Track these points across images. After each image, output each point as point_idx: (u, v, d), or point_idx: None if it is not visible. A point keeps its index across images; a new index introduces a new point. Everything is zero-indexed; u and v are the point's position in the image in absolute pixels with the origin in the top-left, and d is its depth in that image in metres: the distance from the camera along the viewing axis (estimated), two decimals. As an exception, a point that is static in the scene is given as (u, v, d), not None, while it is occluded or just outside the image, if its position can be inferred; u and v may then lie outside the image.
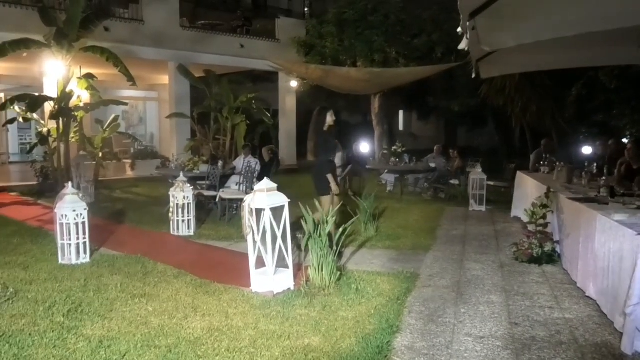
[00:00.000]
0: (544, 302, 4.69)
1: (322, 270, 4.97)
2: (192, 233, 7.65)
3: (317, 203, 5.78)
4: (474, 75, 5.53)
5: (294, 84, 17.47)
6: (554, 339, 3.89)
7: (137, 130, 20.70)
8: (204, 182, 9.46)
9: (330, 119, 6.28)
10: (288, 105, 19.34)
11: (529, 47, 5.37)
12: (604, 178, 5.88)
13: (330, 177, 6.10)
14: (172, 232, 7.66)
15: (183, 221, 7.65)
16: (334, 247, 5.12)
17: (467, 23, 3.45)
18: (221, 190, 9.02)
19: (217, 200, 8.82)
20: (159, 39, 15.15)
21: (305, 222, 5.07)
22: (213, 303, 4.65)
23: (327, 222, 5.05)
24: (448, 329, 4.09)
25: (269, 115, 16.30)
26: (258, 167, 9.38)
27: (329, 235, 5.09)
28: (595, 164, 7.14)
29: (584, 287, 4.89)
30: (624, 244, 3.90)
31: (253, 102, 15.45)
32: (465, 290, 5.04)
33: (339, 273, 5.14)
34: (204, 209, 9.16)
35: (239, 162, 10.12)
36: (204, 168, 9.71)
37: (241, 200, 8.52)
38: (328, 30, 15.99)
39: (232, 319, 4.27)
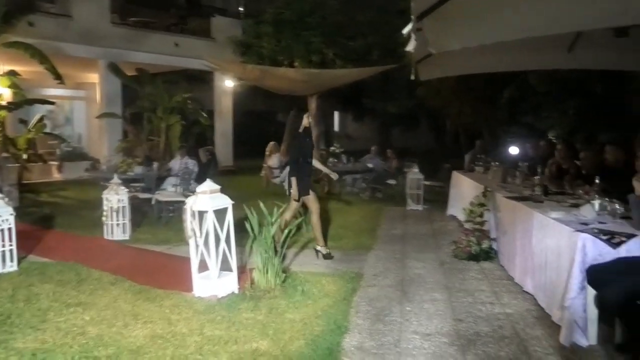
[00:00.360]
0: (484, 298, 4.83)
1: (267, 273, 4.91)
2: (127, 237, 7.38)
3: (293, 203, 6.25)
4: (413, 77, 5.63)
5: (230, 84, 17.23)
6: (497, 333, 4.01)
7: (63, 130, 19.73)
8: (138, 185, 9.15)
9: (306, 120, 6.37)
10: (224, 105, 19.06)
11: (466, 51, 5.55)
12: (537, 177, 6.13)
13: (293, 180, 6.22)
14: (106, 237, 7.36)
15: (118, 225, 7.37)
16: (279, 249, 5.06)
17: (414, 24, 3.49)
18: (157, 192, 8.75)
19: (152, 202, 8.55)
20: (88, 36, 14.54)
21: (250, 223, 4.99)
22: (154, 309, 4.50)
23: (272, 224, 4.99)
24: (395, 328, 4.13)
25: (206, 116, 16.00)
26: (196, 169, 9.18)
27: (273, 237, 5.04)
28: (527, 164, 7.43)
29: (521, 283, 5.07)
30: (562, 240, 4.06)
31: (188, 102, 15.10)
32: (409, 289, 5.12)
33: (284, 275, 5.10)
34: (139, 212, 8.86)
35: (175, 164, 9.87)
36: (138, 170, 9.40)
37: (178, 202, 8.43)
38: (265, 30, 15.86)
39: (175, 326, 4.14)
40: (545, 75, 11.20)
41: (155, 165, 9.72)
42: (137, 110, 15.03)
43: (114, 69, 15.08)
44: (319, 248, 6.38)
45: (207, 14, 18.99)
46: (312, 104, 17.91)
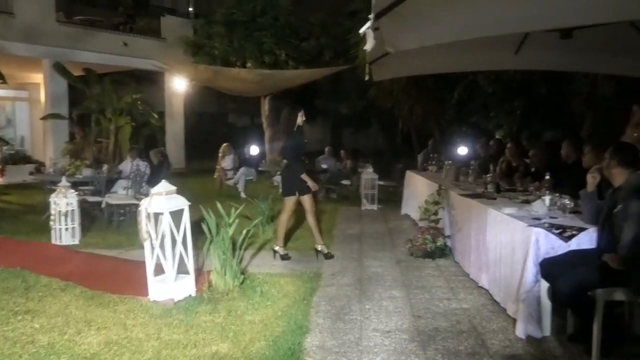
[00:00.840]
0: (441, 294, 4.91)
1: (225, 274, 4.84)
2: (77, 242, 7.12)
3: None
4: (367, 78, 5.65)
5: (181, 85, 16.95)
6: (455, 328, 4.08)
7: (4, 133, 18.98)
8: (86, 188, 8.85)
9: (300, 119, 6.27)
10: (175, 106, 18.77)
11: (418, 52, 5.61)
12: (489, 175, 6.28)
13: (305, 176, 6.15)
14: (54, 242, 7.07)
15: (66, 229, 7.09)
16: (237, 250, 5.00)
17: (372, 23, 3.49)
18: (107, 195, 8.50)
19: (103, 206, 8.30)
20: (31, 34, 14.02)
21: (207, 225, 4.90)
22: (108, 315, 4.35)
23: (229, 225, 4.92)
24: (356, 326, 4.14)
25: (156, 117, 15.68)
26: (148, 171, 8.96)
27: (232, 238, 4.97)
28: (478, 162, 7.62)
29: (476, 278, 5.17)
30: (515, 235, 4.17)
31: (138, 103, 14.76)
32: (367, 287, 5.15)
33: (242, 276, 5.04)
34: (89, 216, 8.58)
35: (126, 166, 9.60)
36: (87, 172, 9.10)
37: (129, 205, 8.21)
38: (216, 31, 15.71)
39: (131, 331, 4.02)
40: (493, 76, 11.50)
41: (105, 167, 9.43)
42: (84, 112, 14.58)
43: (60, 68, 14.59)
44: (277, 248, 6.34)
45: (156, 14, 18.65)
46: (265, 105, 17.87)
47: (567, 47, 5.73)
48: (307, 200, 6.27)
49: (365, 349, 3.71)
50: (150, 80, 18.82)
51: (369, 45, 3.51)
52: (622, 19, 4.40)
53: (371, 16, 3.29)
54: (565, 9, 3.56)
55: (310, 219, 6.35)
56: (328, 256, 6.28)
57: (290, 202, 6.28)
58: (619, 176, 3.68)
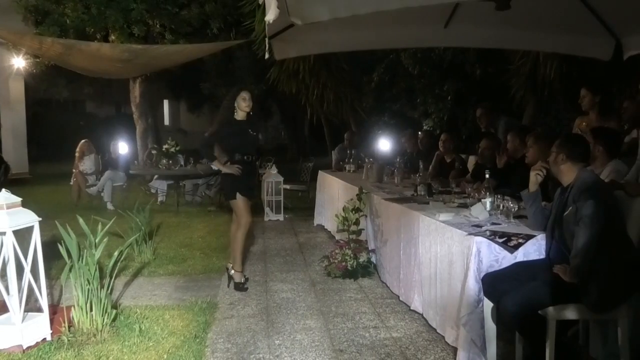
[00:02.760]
0: (367, 322, 5.04)
1: (91, 310, 4.69)
2: None
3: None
4: (267, 56, 5.69)
5: (20, 63, 16.17)
6: (385, 363, 4.20)
7: None
8: None
9: (243, 104, 6.01)
10: (13, 92, 17.88)
11: (329, 25, 5.73)
12: (419, 174, 6.51)
13: (232, 167, 6.00)
14: None
15: None
16: (107, 278, 4.86)
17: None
18: None
19: None
20: None
21: (65, 246, 4.73)
22: None
23: (95, 245, 4.77)
24: (264, 367, 4.16)
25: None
26: (-21, 177, 8.49)
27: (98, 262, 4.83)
28: (405, 159, 7.88)
29: (407, 300, 5.35)
30: (453, 246, 4.35)
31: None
32: (276, 318, 5.18)
33: (114, 311, 4.90)
34: None
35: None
36: None
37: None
38: (67, -7, 15.16)
39: (-35, 392, 3.81)
40: (419, 55, 11.93)
41: None
42: None
43: None
44: (232, 273, 6.20)
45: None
46: (136, 90, 17.47)
47: (504, 20, 6.03)
48: (236, 204, 6.15)
49: (277, 395, 3.74)
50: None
51: (270, 16, 3.54)
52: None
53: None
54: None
55: (240, 233, 6.17)
56: (240, 287, 6.06)
57: (239, 205, 6.09)
58: (568, 173, 3.92)
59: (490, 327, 4.06)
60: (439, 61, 11.92)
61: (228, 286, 6.13)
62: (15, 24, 15.36)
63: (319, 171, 10.00)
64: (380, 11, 4.22)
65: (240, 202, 6.06)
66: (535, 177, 4.23)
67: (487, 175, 5.29)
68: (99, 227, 4.92)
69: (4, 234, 4.39)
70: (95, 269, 4.72)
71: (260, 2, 3.96)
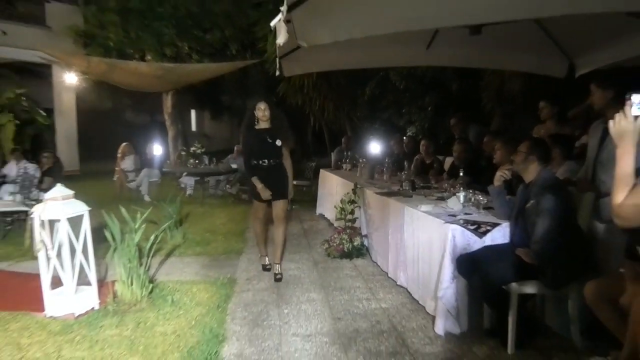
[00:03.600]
0: (360, 295, 5.05)
1: (132, 284, 4.71)
2: (-45, 255, 6.67)
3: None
4: (277, 73, 5.69)
5: (72, 79, 16.17)
6: (375, 328, 4.22)
7: None
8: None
9: (260, 113, 5.60)
10: (66, 103, 17.88)
11: (330, 47, 5.71)
12: (404, 172, 6.51)
13: (255, 179, 5.61)
14: None
15: (-57, 241, 6.61)
16: (145, 257, 4.88)
17: (285, 16, 3.52)
18: (-10, 202, 7.99)
19: (-15, 214, 7.80)
20: None
21: (110, 231, 4.75)
22: (-1, 335, 4.12)
23: (135, 231, 4.79)
24: (275, 331, 4.17)
25: (44, 114, 14.88)
26: (38, 174, 8.50)
27: (138, 245, 4.84)
28: (393, 160, 7.87)
29: (394, 277, 5.36)
30: (433, 233, 4.37)
31: (22, 99, 13.93)
32: (284, 291, 5.19)
33: (151, 285, 4.92)
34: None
35: (11, 170, 9.05)
36: (-36, 177, 8.52)
37: (17, 212, 7.76)
38: (110, 20, 15.10)
39: (27, 351, 3.83)
40: (405, 73, 11.91)
41: (-15, 171, 8.86)
42: (-44, 109, 13.60)
43: None
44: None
45: (38, 0, 17.63)
46: (168, 101, 17.46)
47: (477, 43, 6.02)
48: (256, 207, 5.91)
49: (286, 355, 3.75)
50: (36, 73, 17.82)
51: (280, 39, 3.55)
52: (528, 16, 4.73)
53: (283, 8, 3.31)
54: (474, 6, 3.78)
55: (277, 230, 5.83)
56: (277, 278, 5.62)
57: (253, 206, 5.92)
58: (533, 172, 3.93)
59: (463, 300, 4.09)
60: (421, 78, 11.89)
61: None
62: (67, 46, 15.41)
63: (320, 169, 9.97)
64: (373, 35, 4.21)
65: (254, 204, 5.88)
66: (500, 176, 4.26)
67: (461, 174, 5.30)
68: (138, 215, 4.94)
69: (59, 220, 4.42)
70: (135, 250, 4.75)
71: (272, 28, 3.97)
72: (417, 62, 8.98)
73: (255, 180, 5.62)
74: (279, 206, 5.73)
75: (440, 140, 9.34)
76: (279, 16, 3.55)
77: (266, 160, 5.60)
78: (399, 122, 14.01)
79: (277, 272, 5.66)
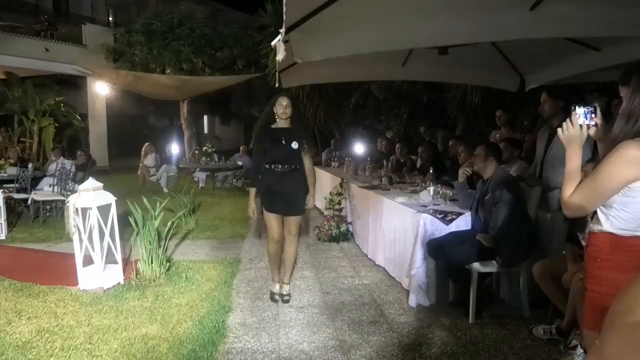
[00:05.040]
0: (346, 273, 5.02)
1: (152, 263, 4.65)
2: (3, 237, 6.55)
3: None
4: (277, 85, 5.62)
5: (103, 88, 16.04)
6: (358, 301, 4.19)
7: None
8: (11, 185, 8.15)
9: (280, 109, 4.01)
10: (98, 108, 17.77)
11: (321, 63, 5.66)
12: (383, 169, 6.47)
13: (252, 190, 4.24)
14: (-21, 238, 6.47)
15: (-7, 225, 6.51)
16: (163, 240, 4.82)
17: (283, 37, 3.49)
18: (33, 192, 7.88)
19: (29, 202, 7.69)
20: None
21: (134, 217, 4.68)
22: (38, 305, 4.05)
23: (155, 217, 4.72)
24: (273, 304, 4.13)
25: (79, 118, 14.76)
26: (73, 169, 8.40)
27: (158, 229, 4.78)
28: (373, 159, 7.84)
29: (374, 258, 5.33)
30: (407, 220, 4.34)
31: (61, 105, 13.80)
32: (281, 269, 5.14)
33: (168, 264, 4.87)
34: (14, 212, 7.93)
35: (52, 165, 8.96)
36: (12, 171, 8.39)
37: (56, 201, 7.67)
38: (137, 39, 15.04)
39: (62, 319, 3.77)
40: (384, 85, 11.87)
41: (30, 166, 8.74)
42: (6, 113, 13.43)
43: (-21, 71, 13.31)
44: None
45: (76, 22, 17.52)
46: (184, 108, 17.36)
47: (444, 62, 6.01)
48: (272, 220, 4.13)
49: (282, 324, 3.71)
50: (73, 84, 17.76)
51: (279, 56, 3.52)
52: (486, 40, 4.71)
53: (282, 30, 3.29)
54: (441, 31, 3.76)
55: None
56: (284, 299, 4.19)
57: (265, 218, 4.16)
58: (490, 169, 3.92)
59: (432, 277, 4.07)
60: (397, 90, 11.87)
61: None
62: (100, 61, 15.32)
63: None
64: (357, 54, 4.18)
65: (265, 216, 4.14)
66: (463, 173, 4.24)
67: (430, 171, 5.27)
68: (157, 204, 4.87)
69: (90, 208, 4.35)
70: (155, 234, 4.69)
71: (273, 47, 3.93)
72: (394, 77, 8.95)
73: (251, 191, 4.23)
74: (292, 223, 4.13)
75: (413, 142, 9.32)
76: (279, 37, 3.51)
77: (279, 165, 4.01)
78: (378, 127, 14.00)
79: (285, 292, 4.24)
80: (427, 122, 8.00)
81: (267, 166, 4.05)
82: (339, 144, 10.51)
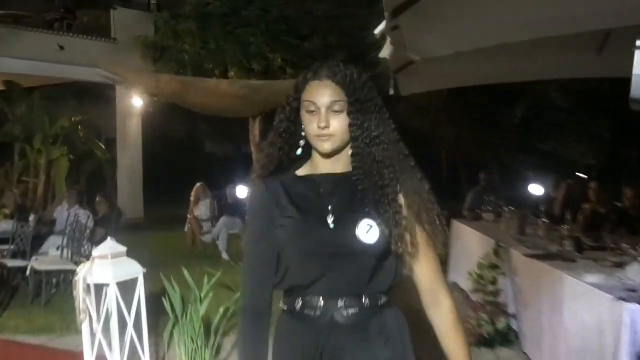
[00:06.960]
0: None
1: (195, 370, 4.81)
2: (-11, 324, 7.14)
3: None
4: (392, 92, 5.69)
5: (138, 102, 16.98)
6: None
7: None
8: (6, 247, 8.88)
9: (313, 125, 2.17)
10: (130, 131, 18.60)
11: (457, 57, 5.67)
12: (566, 226, 6.25)
13: None
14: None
15: (-26, 307, 7.11)
16: (213, 336, 4.97)
17: (388, 22, 3.52)
18: (34, 257, 8.50)
19: (27, 273, 8.31)
20: None
21: (169, 300, 4.89)
22: None
23: (201, 300, 4.91)
24: None
25: (103, 147, 15.72)
26: (90, 223, 8.98)
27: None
28: (548, 208, 7.61)
29: (553, 375, 5.10)
30: (603, 314, 4.13)
31: (79, 127, 14.82)
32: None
33: (219, 372, 5.00)
34: (7, 286, 8.60)
35: (61, 214, 9.65)
36: (6, 225, 9.16)
37: (65, 272, 8.19)
38: (186, 28, 15.67)
39: None
40: (571, 87, 11.58)
41: (31, 217, 9.48)
42: (4, 140, 14.67)
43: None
44: None
45: (104, 5, 18.65)
46: (255, 128, 17.80)
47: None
48: None
49: None
50: (96, 95, 18.66)
51: (385, 52, 3.56)
52: None
53: (386, 13, 3.31)
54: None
55: None
56: None
57: None
58: None
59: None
60: (593, 93, 11.52)
61: None
62: (134, 61, 16.16)
63: (452, 220, 9.72)
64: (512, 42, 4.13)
65: None
66: None
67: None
68: (205, 279, 5.03)
69: (107, 285, 4.57)
70: (200, 326, 4.83)
71: (377, 36, 3.95)
72: (585, 73, 8.70)
73: None
74: None
75: (622, 180, 8.95)
76: (383, 23, 3.55)
77: (326, 300, 2.11)
78: (568, 155, 13.54)
79: None
80: None
81: (286, 305, 2.22)
82: (493, 181, 10.27)
